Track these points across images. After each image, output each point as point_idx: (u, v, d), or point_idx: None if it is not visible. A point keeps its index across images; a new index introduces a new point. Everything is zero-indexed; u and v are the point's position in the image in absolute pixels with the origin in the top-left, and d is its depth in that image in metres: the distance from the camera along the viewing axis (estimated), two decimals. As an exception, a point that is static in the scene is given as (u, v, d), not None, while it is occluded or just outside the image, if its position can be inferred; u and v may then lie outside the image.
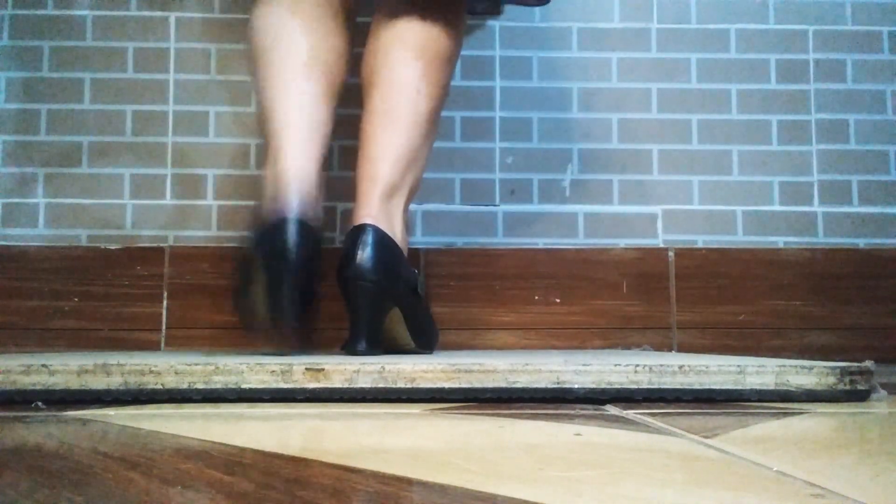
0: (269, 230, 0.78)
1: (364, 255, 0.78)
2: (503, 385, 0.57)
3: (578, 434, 0.43)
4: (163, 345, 1.14)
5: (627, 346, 1.17)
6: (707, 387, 0.58)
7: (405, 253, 0.85)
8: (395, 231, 0.83)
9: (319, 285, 0.84)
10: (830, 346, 1.17)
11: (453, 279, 1.17)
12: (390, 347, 0.85)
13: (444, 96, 0.92)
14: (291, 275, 0.77)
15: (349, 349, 0.78)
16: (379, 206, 0.82)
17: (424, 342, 0.87)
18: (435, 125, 0.90)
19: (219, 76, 1.20)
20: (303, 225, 0.78)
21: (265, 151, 0.87)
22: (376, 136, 0.85)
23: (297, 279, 0.78)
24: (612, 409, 0.54)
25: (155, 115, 1.19)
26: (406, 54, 0.87)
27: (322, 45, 0.88)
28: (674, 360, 0.65)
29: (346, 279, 0.79)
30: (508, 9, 1.22)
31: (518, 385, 0.57)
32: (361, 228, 0.80)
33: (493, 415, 0.51)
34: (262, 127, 0.88)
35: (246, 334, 0.85)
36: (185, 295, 1.15)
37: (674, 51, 1.23)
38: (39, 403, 0.55)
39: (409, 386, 0.57)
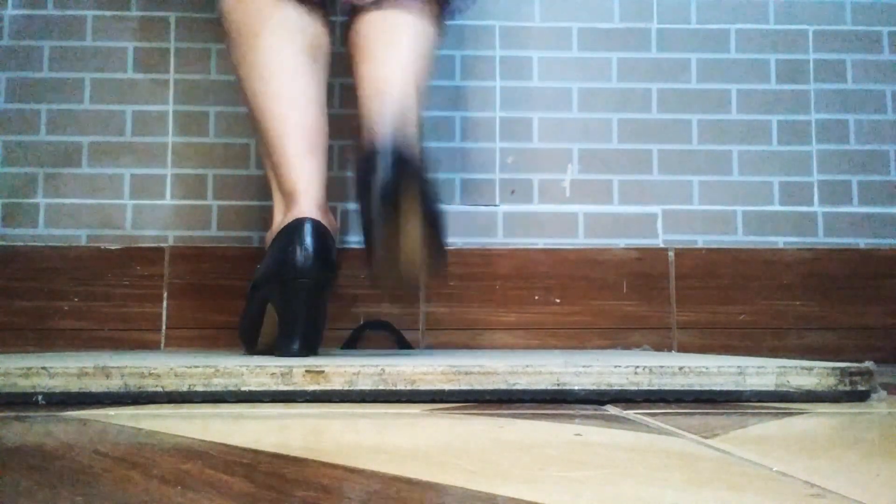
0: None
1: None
2: (503, 387, 0.57)
3: (578, 434, 0.43)
4: (163, 345, 1.14)
5: (627, 347, 1.17)
6: (707, 388, 0.58)
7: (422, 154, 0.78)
8: (410, 133, 0.75)
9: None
10: (830, 346, 1.17)
11: (453, 279, 1.17)
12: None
13: (433, 54, 0.90)
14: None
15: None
16: (393, 119, 0.75)
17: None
18: (431, 64, 0.88)
19: (219, 76, 1.20)
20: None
21: (265, 163, 0.86)
22: (376, 55, 0.83)
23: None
24: (612, 410, 0.54)
25: (155, 115, 1.19)
26: (394, 23, 0.86)
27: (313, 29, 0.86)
28: (674, 361, 0.65)
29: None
30: (506, 8, 1.22)
31: (518, 387, 0.57)
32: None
33: (492, 415, 0.51)
34: (255, 125, 0.87)
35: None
36: (185, 295, 1.15)
37: (674, 51, 1.23)
38: (39, 398, 0.56)
39: (408, 388, 0.57)
